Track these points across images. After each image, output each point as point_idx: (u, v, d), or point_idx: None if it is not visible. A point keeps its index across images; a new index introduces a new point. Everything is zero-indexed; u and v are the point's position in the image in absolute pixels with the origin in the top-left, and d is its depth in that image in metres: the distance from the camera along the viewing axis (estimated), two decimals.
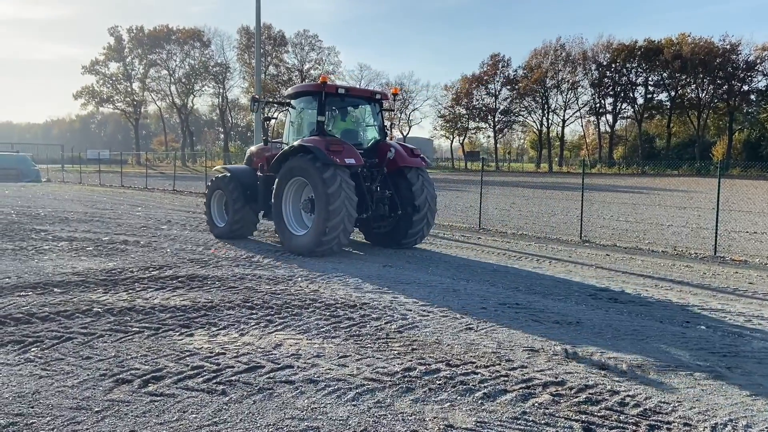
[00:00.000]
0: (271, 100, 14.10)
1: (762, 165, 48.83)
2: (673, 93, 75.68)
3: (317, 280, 8.50)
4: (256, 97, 12.21)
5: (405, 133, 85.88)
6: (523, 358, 5.33)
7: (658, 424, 4.01)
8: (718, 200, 12.59)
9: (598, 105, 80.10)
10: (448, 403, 4.25)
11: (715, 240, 12.27)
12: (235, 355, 5.14)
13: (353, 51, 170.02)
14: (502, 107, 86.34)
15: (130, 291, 7.45)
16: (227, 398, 4.23)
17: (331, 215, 9.93)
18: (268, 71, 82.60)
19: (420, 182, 11.39)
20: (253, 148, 13.31)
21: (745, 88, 71.45)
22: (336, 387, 4.48)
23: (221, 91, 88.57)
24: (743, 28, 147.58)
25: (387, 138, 12.15)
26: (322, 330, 6.00)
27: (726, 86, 71.34)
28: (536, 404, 4.27)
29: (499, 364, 5.11)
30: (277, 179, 10.98)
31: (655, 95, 78.12)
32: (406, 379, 4.67)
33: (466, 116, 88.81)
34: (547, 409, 4.20)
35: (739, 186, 31.81)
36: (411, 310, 6.89)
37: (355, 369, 4.87)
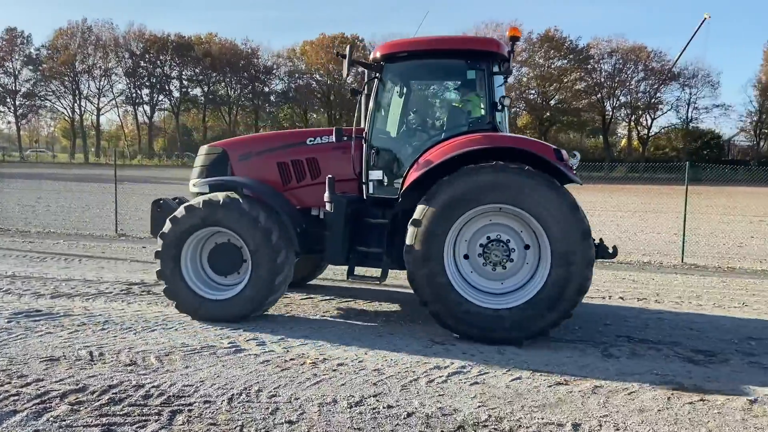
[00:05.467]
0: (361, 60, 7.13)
1: None
2: (206, 89, 79.92)
3: None
4: (344, 53, 6.47)
5: None
6: (39, 370, 4.81)
7: (181, 408, 4.16)
8: None
9: (134, 95, 78.41)
10: None
11: None
12: None
13: None
14: (24, 89, 75.85)
15: None
16: None
17: (580, 265, 5.93)
18: None
19: None
20: (249, 140, 7.78)
21: (266, 89, 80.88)
22: None
23: None
24: (261, 35, 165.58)
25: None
26: None
27: (251, 86, 79.21)
28: (51, 418, 3.90)
29: (10, 383, 4.49)
30: (430, 207, 6.06)
31: (190, 89, 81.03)
32: None
33: None
34: (64, 420, 3.89)
35: None
36: None
37: None
